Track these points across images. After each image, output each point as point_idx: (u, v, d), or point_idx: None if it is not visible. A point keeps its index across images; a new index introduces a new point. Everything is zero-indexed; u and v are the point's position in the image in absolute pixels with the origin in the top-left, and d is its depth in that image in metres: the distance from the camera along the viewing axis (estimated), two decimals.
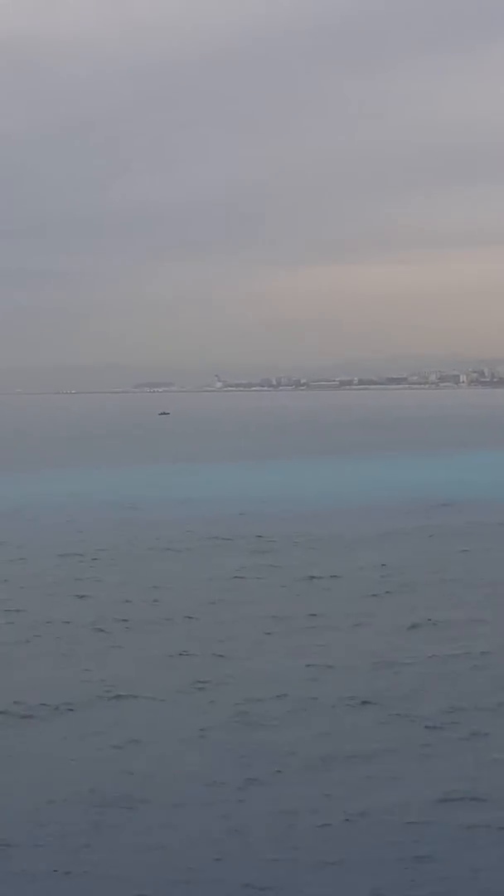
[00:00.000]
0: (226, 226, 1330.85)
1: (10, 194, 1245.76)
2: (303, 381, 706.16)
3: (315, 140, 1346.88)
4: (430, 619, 31.26)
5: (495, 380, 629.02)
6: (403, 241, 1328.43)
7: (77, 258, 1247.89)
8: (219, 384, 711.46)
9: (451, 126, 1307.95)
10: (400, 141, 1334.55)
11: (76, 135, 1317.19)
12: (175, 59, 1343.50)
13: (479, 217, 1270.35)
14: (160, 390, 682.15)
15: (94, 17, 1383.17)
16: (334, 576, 38.79)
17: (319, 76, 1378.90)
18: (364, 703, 23.38)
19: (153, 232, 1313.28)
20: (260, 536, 48.46)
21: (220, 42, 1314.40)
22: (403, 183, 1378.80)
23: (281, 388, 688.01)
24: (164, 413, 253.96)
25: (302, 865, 16.15)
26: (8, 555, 44.66)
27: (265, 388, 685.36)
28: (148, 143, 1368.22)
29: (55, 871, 16.01)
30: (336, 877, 15.79)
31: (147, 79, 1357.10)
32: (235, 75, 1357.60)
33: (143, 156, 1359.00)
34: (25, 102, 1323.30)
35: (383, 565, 40.83)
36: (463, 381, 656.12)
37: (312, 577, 38.40)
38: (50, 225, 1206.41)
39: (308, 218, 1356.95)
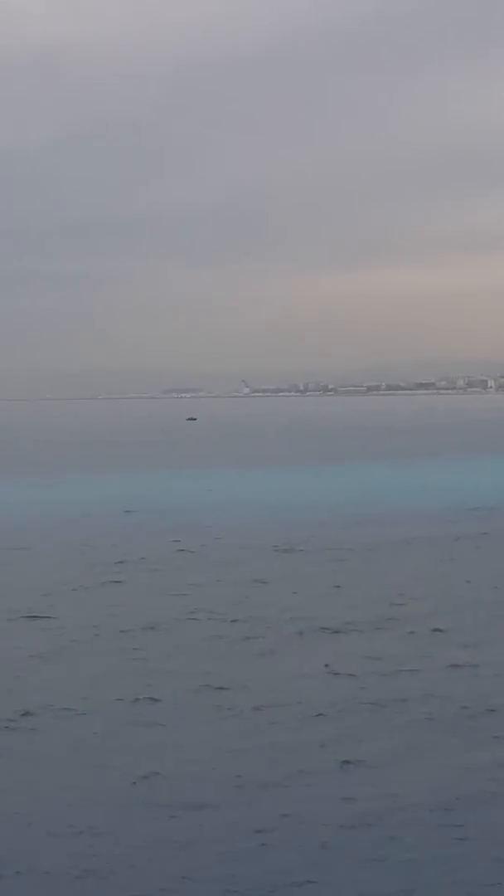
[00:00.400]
0: (254, 229, 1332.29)
1: (39, 198, 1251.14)
2: (330, 386, 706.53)
3: (344, 143, 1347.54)
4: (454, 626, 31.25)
5: None
6: (432, 245, 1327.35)
7: (104, 261, 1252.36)
8: (246, 390, 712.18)
9: (475, 127, 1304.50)
10: (424, 144, 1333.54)
11: (103, 139, 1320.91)
12: (200, 63, 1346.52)
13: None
14: (188, 396, 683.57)
15: (122, 22, 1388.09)
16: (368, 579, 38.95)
17: (342, 81, 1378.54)
18: (380, 705, 23.43)
19: (181, 235, 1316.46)
20: (292, 543, 48.48)
21: (245, 46, 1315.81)
22: (432, 185, 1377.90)
23: (308, 393, 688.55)
24: (192, 418, 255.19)
25: (327, 863, 16.24)
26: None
27: (292, 394, 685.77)
28: (174, 147, 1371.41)
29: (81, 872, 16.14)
30: (364, 876, 15.85)
31: (173, 83, 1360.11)
32: (260, 79, 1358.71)
33: (169, 160, 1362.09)
34: (53, 107, 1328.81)
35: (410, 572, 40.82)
36: (491, 387, 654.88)
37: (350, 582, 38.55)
38: (79, 228, 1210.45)
39: (336, 221, 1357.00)
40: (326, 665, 26.65)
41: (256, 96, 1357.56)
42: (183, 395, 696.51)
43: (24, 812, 18.23)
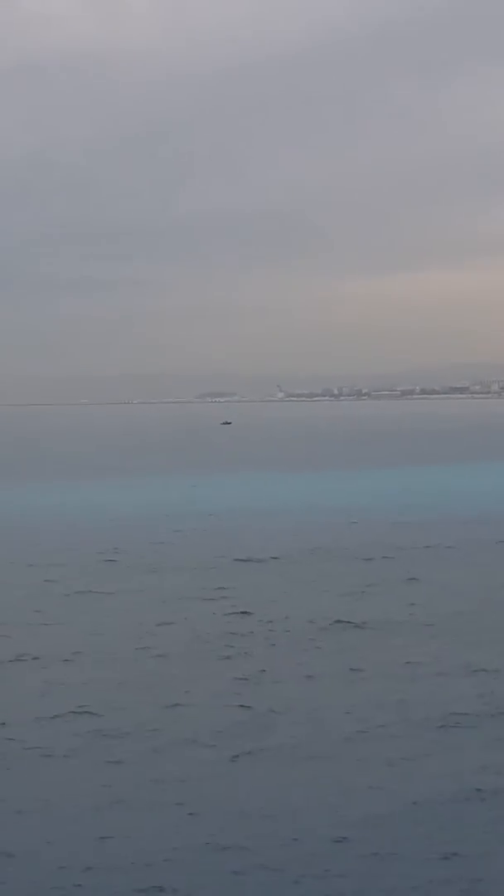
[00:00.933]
0: (288, 234, 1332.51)
1: (79, 204, 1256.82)
2: (364, 390, 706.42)
3: (378, 147, 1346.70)
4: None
5: None
6: (466, 249, 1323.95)
7: (141, 267, 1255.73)
8: (280, 394, 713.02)
9: None
10: (462, 148, 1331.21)
11: (143, 144, 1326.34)
12: (238, 67, 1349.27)
13: None
14: (222, 400, 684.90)
15: (159, 28, 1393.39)
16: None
17: (383, 83, 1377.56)
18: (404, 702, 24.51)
19: (217, 241, 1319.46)
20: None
21: (283, 49, 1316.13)
22: (465, 190, 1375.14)
23: (342, 398, 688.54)
24: (227, 423, 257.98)
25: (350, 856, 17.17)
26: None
27: (326, 398, 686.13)
28: (214, 151, 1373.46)
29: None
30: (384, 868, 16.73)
31: (212, 87, 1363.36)
32: (299, 82, 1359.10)
33: (208, 164, 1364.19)
34: (92, 113, 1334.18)
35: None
36: None
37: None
38: (116, 234, 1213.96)
39: (370, 226, 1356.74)
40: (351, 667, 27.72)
41: (294, 100, 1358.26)
42: (217, 399, 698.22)
43: None
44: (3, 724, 23.30)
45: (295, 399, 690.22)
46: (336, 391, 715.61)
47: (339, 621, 32.74)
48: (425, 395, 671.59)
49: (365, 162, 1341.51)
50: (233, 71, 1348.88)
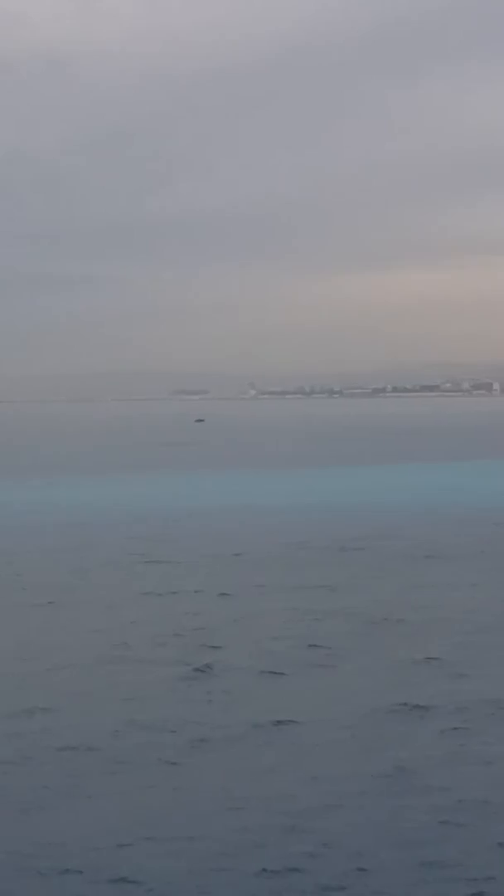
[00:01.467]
0: (262, 234, 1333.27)
1: (49, 202, 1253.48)
2: (336, 388, 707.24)
3: (350, 148, 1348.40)
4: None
5: None
6: (437, 248, 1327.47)
7: (113, 265, 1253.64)
8: (252, 392, 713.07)
9: (486, 133, 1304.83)
10: (435, 148, 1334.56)
11: (116, 144, 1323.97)
12: (213, 68, 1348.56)
13: None
14: (195, 398, 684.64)
15: (134, 28, 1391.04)
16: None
17: (356, 85, 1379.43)
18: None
19: (189, 240, 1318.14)
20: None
21: (257, 51, 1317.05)
22: (438, 190, 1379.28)
23: (314, 395, 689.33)
24: (200, 420, 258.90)
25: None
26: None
27: (299, 396, 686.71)
28: (188, 151, 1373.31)
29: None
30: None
31: (185, 89, 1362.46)
32: (273, 84, 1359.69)
33: (183, 164, 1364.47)
34: (66, 112, 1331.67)
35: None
36: (496, 389, 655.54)
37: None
38: (87, 232, 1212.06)
39: (344, 226, 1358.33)
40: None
41: (268, 102, 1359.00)
42: (190, 397, 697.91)
43: None
44: None
45: (267, 396, 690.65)
46: (308, 389, 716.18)
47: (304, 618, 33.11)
48: (397, 394, 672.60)
49: (337, 162, 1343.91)
50: (209, 72, 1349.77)
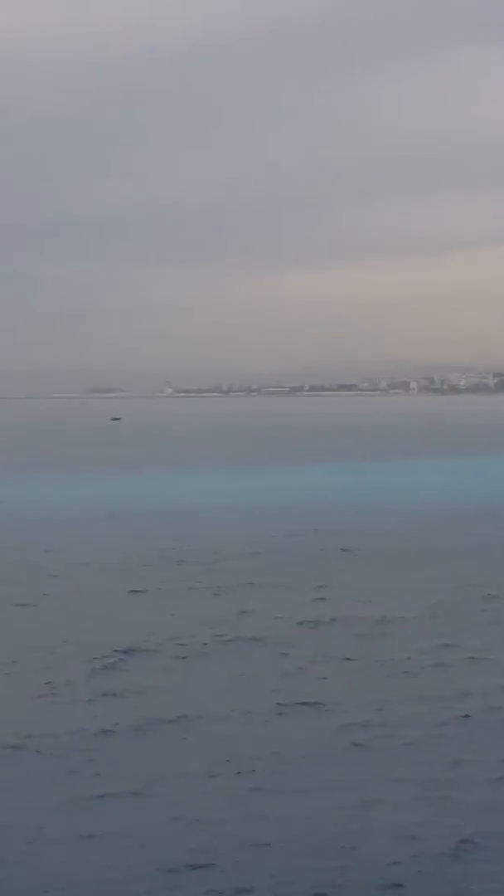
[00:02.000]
0: (181, 233, 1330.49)
1: None
2: (254, 387, 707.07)
3: (277, 147, 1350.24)
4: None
5: (445, 387, 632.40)
6: (356, 249, 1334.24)
7: (30, 262, 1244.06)
8: (169, 390, 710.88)
9: (410, 135, 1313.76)
10: (360, 149, 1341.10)
11: (36, 137, 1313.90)
12: (141, 60, 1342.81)
13: (433, 225, 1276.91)
14: (111, 395, 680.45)
15: (56, 18, 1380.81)
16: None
17: (279, 82, 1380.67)
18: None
19: (111, 237, 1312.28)
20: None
21: (181, 44, 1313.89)
22: (362, 191, 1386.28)
23: (231, 393, 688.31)
24: (116, 419, 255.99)
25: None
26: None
27: (215, 395, 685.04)
28: (109, 147, 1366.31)
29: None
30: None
31: (109, 81, 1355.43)
32: (203, 78, 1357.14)
33: (103, 160, 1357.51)
34: None
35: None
36: (413, 388, 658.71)
37: None
38: (8, 227, 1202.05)
39: (264, 225, 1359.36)
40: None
41: (191, 96, 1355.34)
42: (106, 395, 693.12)
43: None
44: None
45: (183, 395, 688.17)
46: (225, 387, 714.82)
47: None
48: (314, 392, 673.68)
49: (260, 162, 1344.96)
50: (130, 64, 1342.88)
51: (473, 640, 30.12)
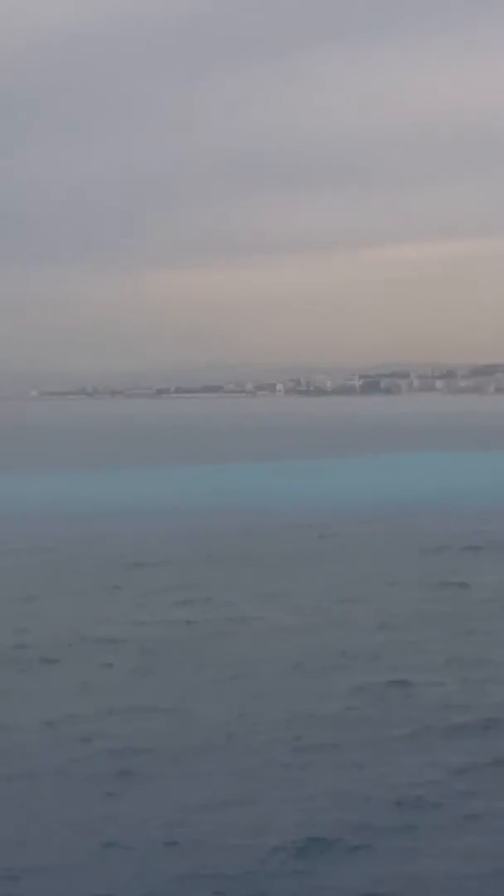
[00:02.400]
0: (36, 233, 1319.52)
1: None
2: (118, 388, 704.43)
3: (137, 144, 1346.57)
4: None
5: (311, 389, 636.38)
6: (219, 249, 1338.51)
7: None
8: (34, 392, 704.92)
9: (269, 133, 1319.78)
10: (219, 147, 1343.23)
11: None
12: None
13: (297, 224, 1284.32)
14: None
15: None
16: None
17: (143, 79, 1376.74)
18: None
19: None
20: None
21: (43, 36, 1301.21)
22: (225, 189, 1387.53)
23: (97, 395, 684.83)
24: None
25: None
26: None
27: (81, 396, 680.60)
28: None
29: None
30: None
31: None
32: (59, 73, 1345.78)
33: None
34: None
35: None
36: (279, 390, 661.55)
37: None
38: None
39: (123, 226, 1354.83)
40: None
41: (72, 92, 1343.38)
42: None
43: None
44: None
45: (48, 397, 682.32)
46: (90, 389, 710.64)
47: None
48: (181, 394, 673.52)
49: (125, 159, 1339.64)
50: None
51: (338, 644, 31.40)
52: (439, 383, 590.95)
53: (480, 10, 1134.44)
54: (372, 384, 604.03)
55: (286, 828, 19.09)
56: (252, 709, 25.82)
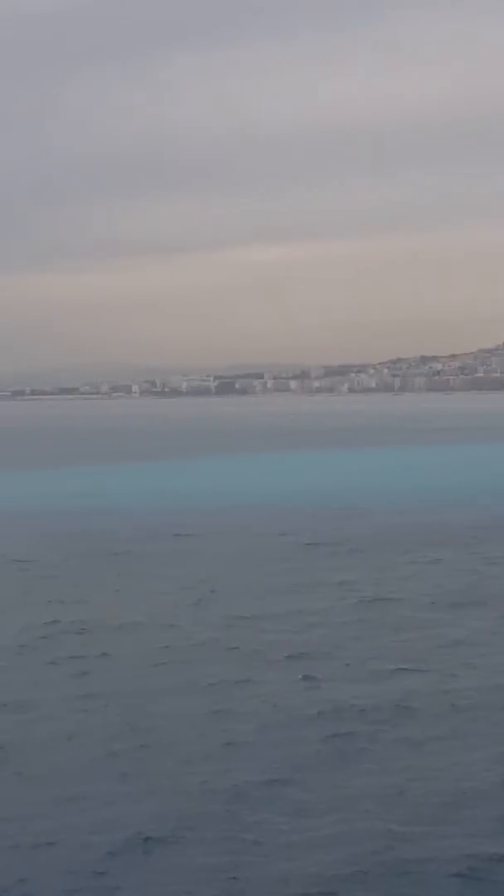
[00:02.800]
0: None
1: None
2: None
3: (2, 146, 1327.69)
4: None
5: (167, 390, 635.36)
6: (82, 251, 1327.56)
7: None
8: None
9: (124, 136, 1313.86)
10: (75, 150, 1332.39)
11: None
12: None
13: (153, 226, 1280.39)
14: None
15: None
16: None
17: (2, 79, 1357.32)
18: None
19: None
20: None
21: None
22: (83, 192, 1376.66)
23: None
24: None
25: None
26: None
27: None
28: None
29: None
30: None
31: None
32: None
33: None
34: None
35: None
36: (135, 391, 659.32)
37: None
38: None
39: None
40: None
41: None
42: None
43: None
44: None
45: None
46: None
47: None
48: (36, 396, 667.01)
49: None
50: None
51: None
52: (293, 384, 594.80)
53: (333, 14, 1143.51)
54: (227, 385, 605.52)
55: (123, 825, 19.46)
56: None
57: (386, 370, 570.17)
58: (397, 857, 18.43)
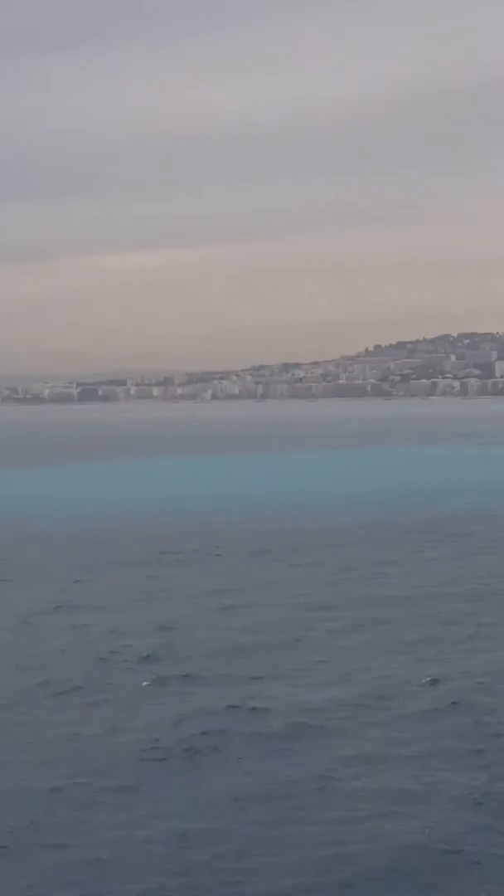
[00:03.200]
0: None
1: None
2: None
3: None
4: None
5: (29, 396, 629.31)
6: None
7: None
8: None
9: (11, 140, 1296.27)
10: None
11: None
12: None
13: (20, 232, 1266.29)
14: None
15: None
16: None
17: None
18: None
19: None
20: None
21: None
22: None
23: None
24: None
25: None
26: None
27: None
28: None
29: None
30: None
31: None
32: None
33: None
34: None
35: None
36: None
37: None
38: None
39: None
40: None
41: None
42: None
43: None
44: None
45: None
46: None
47: None
48: None
49: None
50: None
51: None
52: (156, 391, 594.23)
53: (205, 21, 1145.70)
54: (90, 392, 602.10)
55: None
56: None
57: (249, 377, 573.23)
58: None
